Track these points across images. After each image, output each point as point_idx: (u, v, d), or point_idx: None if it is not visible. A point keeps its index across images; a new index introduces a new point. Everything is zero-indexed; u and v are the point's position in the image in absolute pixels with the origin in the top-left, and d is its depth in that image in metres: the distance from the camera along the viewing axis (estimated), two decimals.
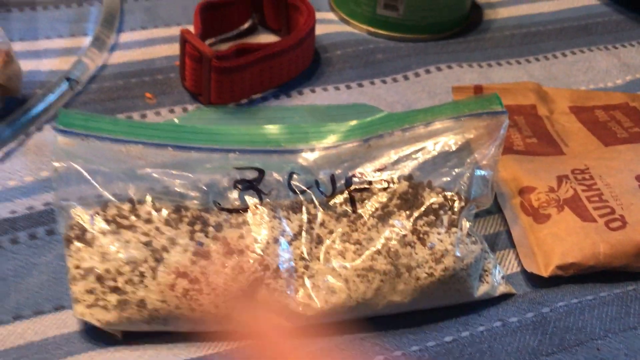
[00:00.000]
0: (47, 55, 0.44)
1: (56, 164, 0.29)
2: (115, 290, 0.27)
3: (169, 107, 0.41)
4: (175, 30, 0.47)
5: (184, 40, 0.40)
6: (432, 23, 0.48)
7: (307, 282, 0.28)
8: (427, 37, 0.49)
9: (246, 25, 0.48)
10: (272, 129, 0.33)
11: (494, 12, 0.53)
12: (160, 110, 0.41)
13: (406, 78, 0.45)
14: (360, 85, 0.44)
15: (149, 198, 0.30)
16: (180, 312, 0.27)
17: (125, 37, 0.46)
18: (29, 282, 0.30)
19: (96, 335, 0.28)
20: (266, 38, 0.48)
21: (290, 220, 0.30)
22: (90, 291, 0.27)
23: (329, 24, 0.49)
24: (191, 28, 0.47)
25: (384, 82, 0.44)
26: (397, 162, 0.32)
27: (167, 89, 0.42)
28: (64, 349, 0.28)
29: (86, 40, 0.45)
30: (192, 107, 0.41)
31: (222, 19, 0.46)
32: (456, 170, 0.32)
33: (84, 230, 0.28)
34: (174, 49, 0.45)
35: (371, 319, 0.29)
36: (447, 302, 0.30)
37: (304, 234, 0.30)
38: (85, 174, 0.29)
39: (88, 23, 0.47)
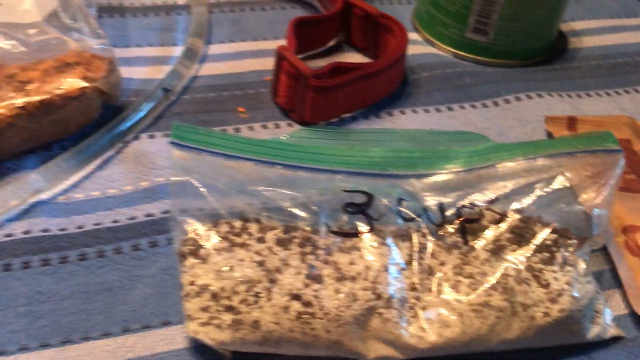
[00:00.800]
0: (138, 63, 0.44)
1: (173, 179, 0.29)
2: (230, 309, 0.27)
3: (261, 122, 0.41)
4: (262, 45, 0.47)
5: (281, 57, 0.40)
6: (519, 49, 0.48)
7: (420, 313, 0.28)
8: (513, 62, 0.48)
9: (332, 43, 0.48)
10: (376, 151, 0.33)
11: (578, 40, 0.52)
12: (253, 125, 0.40)
13: (496, 104, 0.44)
14: (450, 109, 0.43)
15: (263, 216, 0.29)
16: (292, 335, 0.27)
17: (214, 49, 0.46)
18: (134, 294, 0.30)
19: (205, 354, 0.28)
20: (351, 56, 0.47)
21: (399, 248, 0.29)
22: (204, 309, 0.27)
23: (413, 45, 0.49)
24: (279, 43, 0.47)
25: (474, 107, 0.44)
26: (509, 194, 0.31)
27: (258, 104, 0.42)
28: None
29: (176, 50, 0.46)
30: (284, 124, 0.41)
31: (311, 36, 0.46)
32: (570, 207, 0.31)
33: (198, 246, 0.28)
34: (262, 64, 0.45)
35: (481, 354, 0.29)
36: (558, 342, 0.29)
37: (415, 263, 0.29)
38: (202, 189, 0.29)
39: (177, 33, 0.47)
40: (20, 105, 0.33)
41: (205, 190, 0.29)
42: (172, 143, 0.30)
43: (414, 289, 0.28)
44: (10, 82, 0.34)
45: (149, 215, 0.33)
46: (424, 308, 0.28)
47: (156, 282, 0.31)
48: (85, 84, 0.35)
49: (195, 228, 0.29)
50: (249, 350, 0.27)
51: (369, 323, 0.28)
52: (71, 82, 0.35)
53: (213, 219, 0.29)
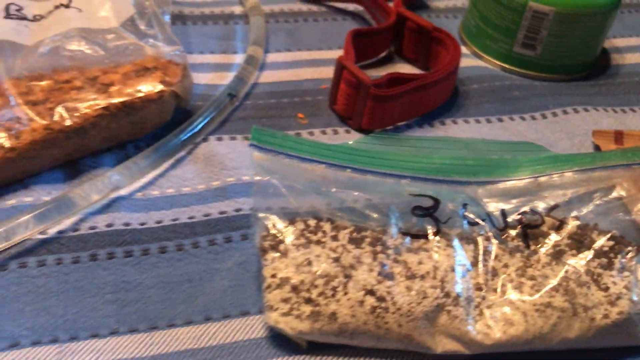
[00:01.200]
0: (201, 69, 0.46)
1: (257, 178, 0.31)
2: (309, 301, 0.29)
3: (320, 128, 0.43)
4: (317, 54, 0.50)
5: (341, 66, 0.42)
6: (565, 64, 0.49)
7: (486, 312, 0.29)
8: (559, 77, 0.50)
9: (383, 54, 0.50)
10: (439, 158, 0.34)
11: (621, 57, 0.54)
12: (313, 131, 0.42)
13: (544, 117, 0.46)
14: (500, 120, 0.45)
15: (336, 216, 0.31)
16: (366, 328, 0.29)
17: (272, 57, 0.48)
18: (213, 286, 0.32)
19: (282, 343, 0.30)
20: (402, 67, 0.49)
21: (465, 250, 0.31)
22: (285, 300, 0.29)
23: (461, 58, 0.51)
24: (333, 53, 0.49)
25: (523, 119, 0.45)
26: (568, 202, 0.33)
27: (316, 111, 0.44)
28: (253, 353, 0.29)
29: (236, 58, 0.48)
30: (342, 130, 0.43)
31: (365, 47, 0.48)
32: (626, 217, 0.32)
33: (278, 242, 0.30)
34: (319, 73, 0.47)
35: (542, 352, 0.30)
36: (616, 344, 0.31)
37: (480, 265, 0.31)
38: (283, 189, 0.31)
39: (236, 41, 0.50)
40: (104, 106, 0.36)
41: (285, 189, 0.31)
42: (251, 145, 0.32)
43: (479, 288, 0.30)
44: (93, 84, 0.37)
45: (222, 212, 0.35)
46: (489, 307, 0.30)
47: (233, 275, 0.32)
48: (163, 88, 0.37)
49: (276, 224, 0.31)
50: (325, 340, 0.29)
51: (437, 319, 0.29)
52: (151, 86, 0.37)
53: (290, 217, 0.31)
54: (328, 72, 0.47)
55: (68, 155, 0.36)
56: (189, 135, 0.39)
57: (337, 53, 0.49)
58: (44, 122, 0.34)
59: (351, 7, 0.55)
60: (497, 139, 0.43)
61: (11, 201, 0.34)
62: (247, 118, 0.43)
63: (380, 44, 0.49)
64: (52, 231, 0.33)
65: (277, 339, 0.30)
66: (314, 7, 0.55)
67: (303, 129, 0.43)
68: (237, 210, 0.36)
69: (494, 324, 0.29)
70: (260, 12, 0.51)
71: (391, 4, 0.50)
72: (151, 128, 0.39)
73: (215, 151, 0.39)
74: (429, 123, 0.44)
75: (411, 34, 0.48)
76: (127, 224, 0.34)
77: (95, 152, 0.38)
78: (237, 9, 0.53)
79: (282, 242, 0.30)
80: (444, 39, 0.47)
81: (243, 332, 0.30)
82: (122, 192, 0.36)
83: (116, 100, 0.36)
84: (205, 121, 0.40)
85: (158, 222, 0.35)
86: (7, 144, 0.33)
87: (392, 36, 0.49)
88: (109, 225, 0.34)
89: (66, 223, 0.34)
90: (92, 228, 0.34)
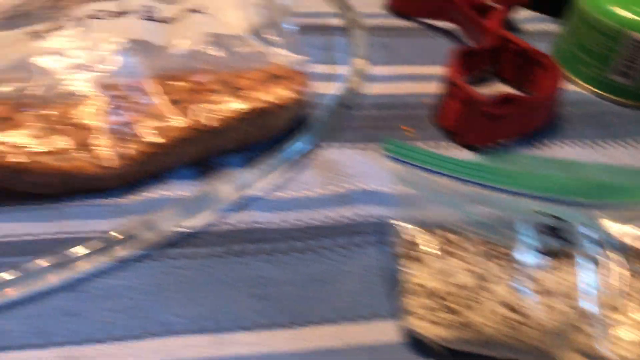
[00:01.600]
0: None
1: (398, 188, 0.32)
2: (447, 309, 0.30)
3: (425, 141, 0.44)
4: (414, 69, 0.51)
5: (452, 83, 0.44)
6: None
7: (615, 331, 0.31)
8: None
9: (478, 72, 0.51)
10: (559, 179, 0.36)
11: None
12: (418, 144, 0.44)
13: None
14: (598, 145, 0.46)
15: (466, 229, 0.33)
16: (502, 339, 0.30)
17: (373, 70, 0.50)
18: (344, 287, 0.33)
19: (418, 348, 0.31)
20: (498, 87, 0.50)
21: (590, 270, 0.32)
22: (423, 306, 0.30)
23: None
24: (430, 68, 0.51)
25: (620, 145, 0.47)
26: None
27: (418, 124, 0.45)
28: (390, 355, 0.31)
29: (337, 69, 0.49)
30: (448, 145, 0.44)
31: (466, 66, 0.49)
32: None
33: (416, 250, 0.32)
34: (417, 87, 0.49)
35: None
36: None
37: (605, 285, 0.32)
38: (419, 198, 0.32)
39: (336, 52, 0.51)
40: (243, 110, 0.37)
41: (420, 200, 0.33)
42: (387, 156, 0.34)
43: (606, 308, 0.31)
44: (226, 87, 0.38)
45: (345, 217, 0.37)
46: (617, 326, 0.31)
47: (361, 278, 0.34)
48: (293, 95, 0.39)
49: (412, 233, 0.32)
50: (460, 348, 0.30)
51: (570, 336, 0.30)
52: (282, 93, 0.38)
53: (425, 227, 0.33)
54: (426, 87, 0.48)
55: (202, 153, 0.38)
56: (307, 141, 0.40)
57: (433, 69, 0.51)
58: (187, 120, 0.36)
59: (440, 23, 0.57)
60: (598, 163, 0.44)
61: (152, 194, 0.36)
62: (358, 128, 0.44)
63: (480, 63, 0.50)
64: (191, 225, 0.35)
65: (413, 343, 0.31)
66: (408, 23, 0.56)
67: (409, 141, 0.44)
68: (360, 216, 0.37)
69: (624, 345, 0.30)
70: (361, 26, 0.52)
71: (485, 22, 0.51)
72: (276, 133, 0.40)
73: (331, 158, 0.41)
74: (529, 143, 0.45)
75: (509, 55, 0.50)
76: (257, 222, 0.36)
77: (225, 152, 0.39)
78: (335, 22, 0.55)
79: (419, 250, 0.32)
80: (544, 62, 0.48)
81: (378, 334, 0.32)
82: (252, 192, 0.38)
83: (254, 105, 0.38)
84: (322, 128, 0.42)
85: (285, 222, 0.36)
86: (153, 139, 0.35)
87: (492, 56, 0.51)
88: (242, 223, 0.36)
89: (202, 218, 0.35)
90: (227, 224, 0.35)
